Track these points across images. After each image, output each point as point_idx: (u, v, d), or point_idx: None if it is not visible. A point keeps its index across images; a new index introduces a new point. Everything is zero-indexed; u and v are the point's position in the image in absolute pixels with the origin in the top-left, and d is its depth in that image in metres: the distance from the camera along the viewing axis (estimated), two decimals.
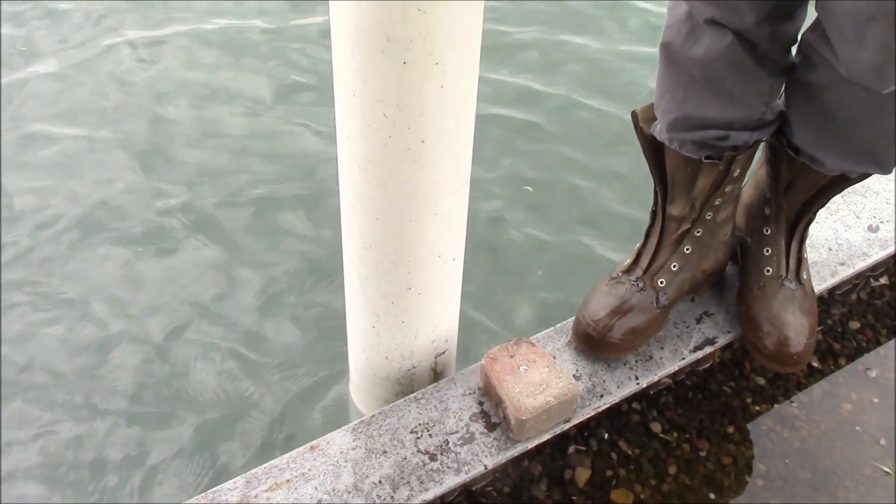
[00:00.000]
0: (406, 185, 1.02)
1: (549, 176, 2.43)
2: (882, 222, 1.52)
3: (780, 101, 1.18)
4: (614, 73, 2.81)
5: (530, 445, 1.18)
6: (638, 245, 1.29)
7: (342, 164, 1.06)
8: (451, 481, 1.13)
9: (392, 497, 1.10)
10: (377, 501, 1.10)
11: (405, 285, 1.14)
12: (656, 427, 1.40)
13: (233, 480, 1.11)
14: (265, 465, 1.13)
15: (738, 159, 1.16)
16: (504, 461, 1.17)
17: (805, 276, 1.31)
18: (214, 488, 1.10)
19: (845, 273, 1.44)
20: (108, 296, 1.99)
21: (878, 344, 1.52)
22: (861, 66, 0.97)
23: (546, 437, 1.20)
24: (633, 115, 1.23)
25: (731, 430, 1.43)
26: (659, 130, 1.20)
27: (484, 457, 1.16)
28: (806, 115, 1.14)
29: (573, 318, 1.33)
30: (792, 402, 1.47)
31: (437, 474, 1.13)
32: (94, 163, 2.35)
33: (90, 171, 2.33)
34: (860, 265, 1.45)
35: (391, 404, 1.21)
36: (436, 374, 1.32)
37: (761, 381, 1.49)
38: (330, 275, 2.04)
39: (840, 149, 1.13)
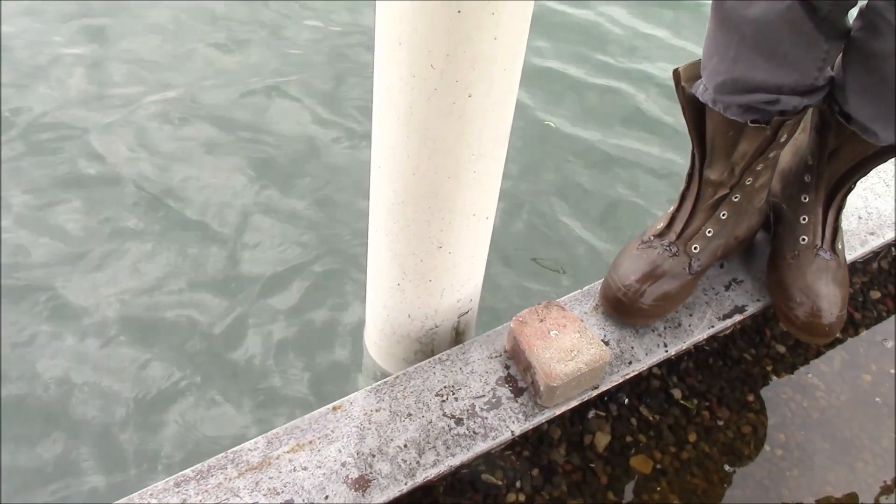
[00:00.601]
0: (447, 140, 0.97)
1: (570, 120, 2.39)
2: None
3: (831, 67, 1.14)
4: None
5: (557, 412, 1.16)
6: (672, 209, 1.25)
7: (377, 116, 1.01)
8: (479, 447, 1.10)
9: (418, 462, 1.07)
10: (402, 466, 1.07)
11: (436, 243, 1.10)
12: (677, 393, 1.38)
13: (253, 441, 1.08)
14: (286, 425, 1.10)
15: (786, 124, 1.11)
16: (531, 428, 1.14)
17: (840, 247, 1.28)
18: (235, 448, 1.07)
19: (875, 243, 1.41)
20: None
21: None
22: None
23: (573, 403, 1.17)
24: (675, 73, 1.18)
25: (751, 398, 1.41)
26: (702, 91, 1.16)
27: (511, 422, 1.13)
28: (863, 83, 1.10)
29: (601, 280, 1.29)
30: (811, 372, 1.45)
31: (464, 440, 1.10)
32: None
33: None
34: (890, 235, 1.42)
35: (415, 365, 1.17)
36: (457, 334, 1.29)
37: (782, 348, 1.46)
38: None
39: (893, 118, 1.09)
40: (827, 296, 1.24)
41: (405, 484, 1.05)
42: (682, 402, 1.36)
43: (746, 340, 1.43)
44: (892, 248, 1.49)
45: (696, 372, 1.39)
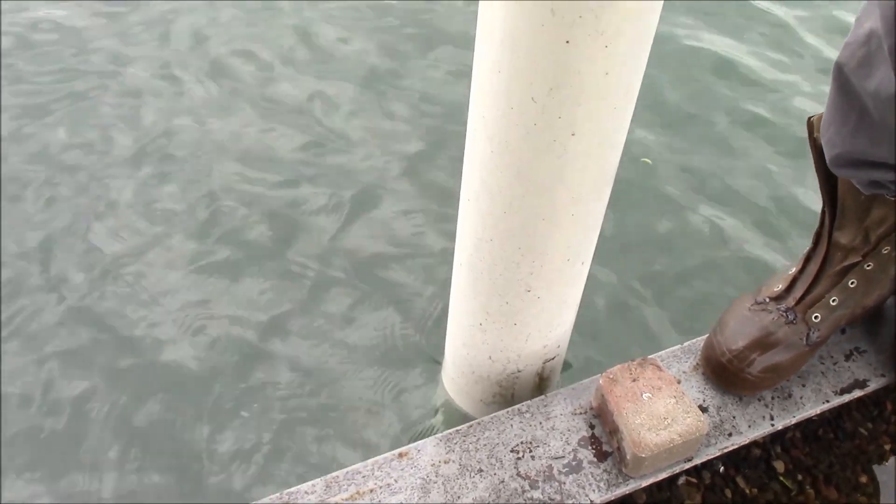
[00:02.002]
0: (545, 179, 0.87)
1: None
2: None
3: None
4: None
5: (644, 483, 1.04)
6: (794, 270, 1.12)
7: (471, 146, 0.92)
8: None
9: None
10: None
11: (524, 286, 1.00)
12: (779, 466, 1.24)
13: (311, 483, 1.00)
14: (348, 468, 1.02)
15: None
16: (612, 499, 1.03)
17: None
18: (292, 489, 1.00)
19: None
20: None
21: None
22: None
23: (663, 475, 1.05)
24: (809, 122, 1.05)
25: (864, 479, 1.26)
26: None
27: (591, 491, 1.02)
28: None
29: (704, 336, 1.17)
30: None
31: None
32: None
33: None
34: None
35: (491, 415, 1.08)
36: (541, 380, 1.19)
37: None
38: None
39: None
40: None
41: None
42: (783, 479, 1.23)
43: (863, 413, 1.28)
44: None
45: (802, 443, 1.25)
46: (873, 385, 1.16)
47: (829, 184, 1.06)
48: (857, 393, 1.14)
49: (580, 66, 0.76)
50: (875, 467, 1.27)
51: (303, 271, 1.84)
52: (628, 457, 1.01)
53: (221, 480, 1.45)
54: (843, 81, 0.94)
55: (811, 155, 1.08)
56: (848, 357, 1.19)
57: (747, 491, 1.21)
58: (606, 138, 0.85)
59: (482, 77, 0.84)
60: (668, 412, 1.02)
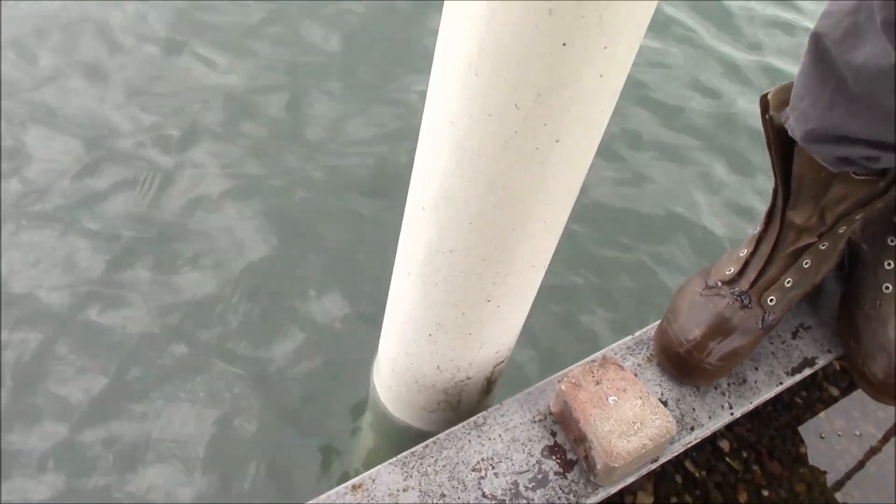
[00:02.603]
0: (520, 189, 0.78)
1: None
2: None
3: None
4: None
5: (613, 490, 0.99)
6: (745, 252, 1.08)
7: (429, 153, 0.81)
8: None
9: None
10: None
11: (485, 297, 0.91)
12: (724, 445, 1.23)
13: None
14: None
15: None
16: None
17: None
18: None
19: None
20: None
21: None
22: None
23: (630, 479, 1.00)
24: (763, 99, 1.00)
25: (803, 450, 1.26)
26: (790, 123, 0.98)
27: None
28: None
29: (655, 325, 1.12)
30: (866, 418, 1.31)
31: None
32: None
33: None
34: None
35: (447, 432, 1.00)
36: (490, 384, 1.11)
37: (835, 391, 1.32)
38: None
39: None
40: None
41: None
42: (729, 459, 1.21)
43: (798, 382, 1.27)
44: None
45: (744, 419, 1.24)
46: (822, 362, 1.14)
47: (784, 162, 1.01)
48: (808, 371, 1.13)
49: (576, 69, 0.67)
50: (813, 438, 1.27)
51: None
52: (598, 466, 0.96)
53: None
54: (822, 52, 0.89)
55: (763, 132, 1.03)
56: (795, 335, 1.17)
57: (696, 474, 1.19)
58: (590, 143, 0.77)
59: (450, 81, 0.73)
60: (637, 415, 0.97)
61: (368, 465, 1.41)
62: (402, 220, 0.93)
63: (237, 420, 1.53)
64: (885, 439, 1.29)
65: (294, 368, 1.61)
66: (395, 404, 1.16)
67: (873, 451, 1.27)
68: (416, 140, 0.84)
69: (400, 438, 1.22)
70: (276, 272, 1.76)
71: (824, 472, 1.24)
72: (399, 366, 1.07)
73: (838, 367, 1.30)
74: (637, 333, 1.12)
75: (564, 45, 0.64)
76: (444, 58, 0.73)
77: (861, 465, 1.25)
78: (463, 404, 1.11)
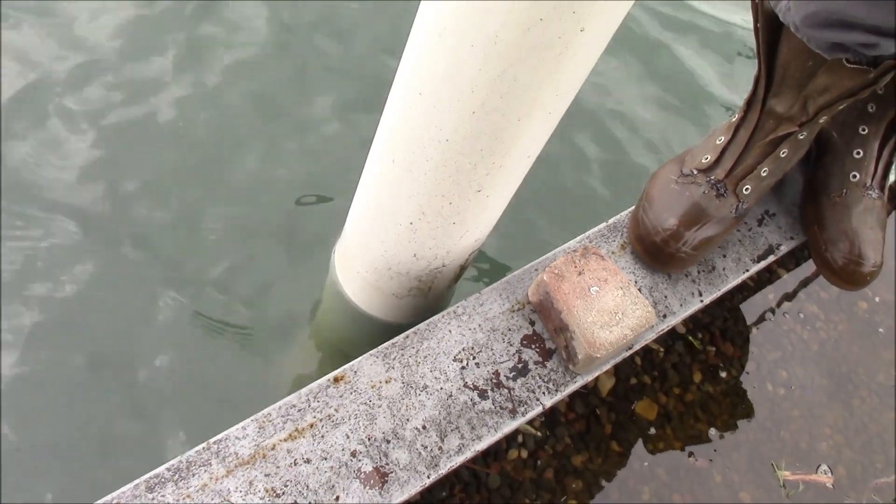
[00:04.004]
0: (533, 78, 0.73)
1: None
2: None
3: None
4: None
5: (590, 378, 1.00)
6: (722, 139, 1.06)
7: (432, 33, 0.75)
8: (507, 426, 0.93)
9: (440, 447, 0.90)
10: (423, 454, 0.89)
11: (475, 187, 0.88)
12: (679, 326, 1.25)
13: (241, 426, 0.87)
14: (280, 403, 0.89)
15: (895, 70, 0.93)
16: (561, 399, 0.98)
17: (887, 184, 1.14)
18: (219, 436, 0.86)
19: None
20: None
21: None
22: None
23: (606, 367, 1.01)
24: None
25: (754, 331, 1.30)
26: (783, 9, 0.95)
27: (541, 394, 0.96)
28: None
29: (629, 212, 1.11)
30: (810, 299, 1.35)
31: (490, 417, 0.93)
32: None
33: None
34: None
35: (428, 322, 0.97)
36: (462, 270, 1.09)
37: (783, 272, 1.35)
38: None
39: None
40: (871, 241, 1.11)
41: (427, 477, 0.88)
42: (690, 338, 1.24)
43: None
44: None
45: None
46: (785, 248, 1.16)
47: (769, 48, 0.99)
48: (771, 258, 1.14)
49: None
50: (762, 319, 1.31)
51: None
52: (580, 356, 0.96)
53: None
54: None
55: (752, 19, 1.00)
56: (760, 222, 1.18)
57: (654, 356, 1.21)
58: (609, 32, 0.72)
59: None
60: (618, 306, 0.96)
61: (321, 356, 1.39)
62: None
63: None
64: (826, 319, 1.34)
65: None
66: (359, 290, 1.12)
67: (815, 330, 1.32)
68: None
69: (359, 326, 1.19)
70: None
71: (771, 351, 1.28)
72: (372, 253, 1.04)
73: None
74: (611, 220, 1.11)
75: None
76: None
77: (804, 343, 1.30)
78: (433, 291, 1.09)
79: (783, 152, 1.04)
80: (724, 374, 1.23)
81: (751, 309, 1.30)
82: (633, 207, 1.10)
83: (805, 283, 1.35)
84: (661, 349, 1.21)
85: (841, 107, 1.00)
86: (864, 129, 1.10)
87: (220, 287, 1.51)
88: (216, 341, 1.45)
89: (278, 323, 1.48)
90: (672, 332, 1.23)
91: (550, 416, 1.12)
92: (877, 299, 1.38)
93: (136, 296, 1.46)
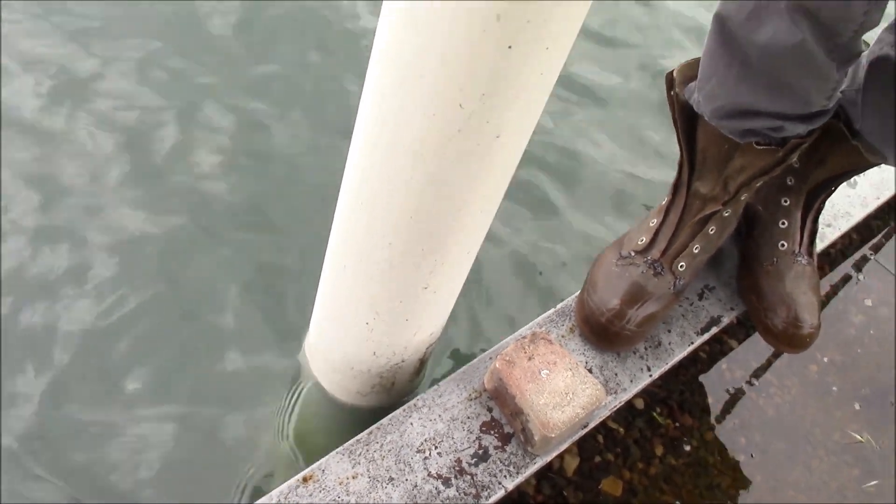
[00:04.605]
0: (461, 183, 0.80)
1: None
2: (859, 175, 1.45)
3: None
4: None
5: (549, 458, 1.04)
6: (654, 222, 1.14)
7: (367, 150, 0.82)
8: None
9: None
10: None
11: (422, 285, 0.94)
12: (639, 402, 1.30)
13: None
14: None
15: (801, 147, 1.01)
16: (522, 481, 1.02)
17: (815, 250, 1.21)
18: None
19: (833, 236, 1.36)
20: None
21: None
22: None
23: (564, 446, 1.06)
24: (669, 77, 1.05)
25: (710, 399, 1.35)
26: (697, 101, 1.04)
27: (503, 477, 1.00)
28: (884, 103, 1.01)
29: (575, 297, 1.17)
30: (763, 367, 1.41)
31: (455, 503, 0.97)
32: None
33: None
34: (845, 226, 1.38)
35: (390, 417, 1.02)
36: (422, 364, 1.14)
37: (734, 343, 1.41)
38: None
39: None
40: (806, 304, 1.17)
41: None
42: (655, 414, 1.29)
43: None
44: (852, 236, 1.46)
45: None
46: (726, 319, 1.22)
47: (689, 136, 1.07)
48: (715, 330, 1.21)
49: (520, 70, 0.69)
50: (718, 388, 1.36)
51: None
52: (536, 438, 1.00)
53: None
54: (726, 33, 0.95)
55: (669, 109, 1.08)
56: (701, 296, 1.24)
57: (616, 433, 1.26)
58: (526, 135, 0.80)
59: (389, 83, 0.74)
60: (568, 386, 1.01)
61: (303, 442, 1.41)
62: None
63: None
64: (780, 384, 1.39)
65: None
66: (328, 387, 1.17)
67: (770, 396, 1.37)
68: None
69: (333, 415, 1.23)
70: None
71: (730, 420, 1.33)
72: (334, 353, 1.09)
73: (736, 321, 1.39)
74: (559, 306, 1.17)
75: (510, 47, 0.67)
76: (385, 62, 0.74)
77: (760, 409, 1.35)
78: (397, 386, 1.14)
79: (711, 230, 1.12)
80: (685, 447, 1.28)
81: (706, 380, 1.35)
82: (579, 292, 1.16)
83: (756, 352, 1.41)
84: (622, 427, 1.25)
85: (758, 184, 1.08)
86: (786, 201, 1.18)
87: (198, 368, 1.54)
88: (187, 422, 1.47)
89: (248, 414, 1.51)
90: (632, 409, 1.28)
91: (519, 500, 1.15)
92: (825, 360, 1.43)
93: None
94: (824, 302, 1.43)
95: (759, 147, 1.01)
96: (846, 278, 1.51)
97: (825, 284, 1.49)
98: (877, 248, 1.55)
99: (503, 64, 0.68)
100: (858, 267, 1.53)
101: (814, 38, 0.89)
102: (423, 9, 0.67)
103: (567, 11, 0.66)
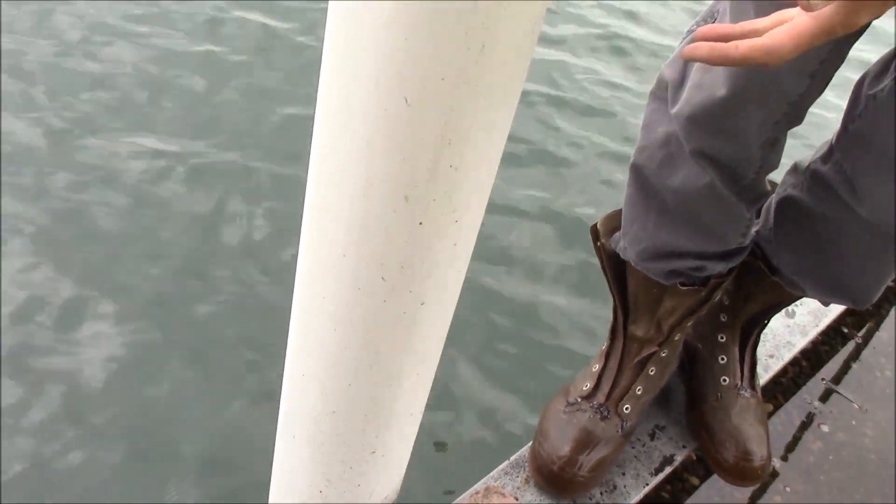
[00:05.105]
0: (392, 348, 0.84)
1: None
2: (797, 305, 1.50)
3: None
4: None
5: None
6: (597, 367, 1.18)
7: (302, 323, 0.87)
8: None
9: None
10: None
11: (369, 449, 0.96)
12: None
13: None
14: None
15: (722, 285, 1.07)
16: None
17: (757, 382, 1.25)
18: None
19: (777, 366, 1.41)
20: None
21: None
22: (889, 210, 0.91)
23: None
24: (593, 229, 1.12)
25: None
26: (622, 248, 1.10)
27: None
28: (797, 243, 1.08)
29: (528, 446, 1.20)
30: (729, 502, 1.41)
31: None
32: None
33: None
34: (788, 355, 1.42)
35: None
36: None
37: (695, 480, 1.42)
38: None
39: (824, 279, 1.08)
40: (754, 437, 1.20)
41: None
42: None
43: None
44: (788, 369, 1.50)
45: None
46: (680, 457, 1.25)
47: (619, 282, 1.13)
48: (668, 469, 1.23)
49: (432, 242, 0.75)
50: None
51: None
52: None
53: None
54: (643, 181, 1.02)
55: (598, 260, 1.14)
56: (652, 436, 1.27)
57: None
58: (452, 298, 0.84)
59: (320, 259, 0.79)
60: None
61: None
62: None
63: None
64: None
65: None
66: None
67: None
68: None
69: None
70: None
71: None
72: None
73: (695, 458, 1.41)
74: (513, 458, 1.19)
75: (421, 223, 0.72)
76: (313, 241, 0.79)
77: None
78: None
79: (651, 370, 1.16)
80: None
81: None
82: (531, 442, 1.19)
83: (719, 488, 1.42)
84: None
85: (689, 323, 1.13)
86: (722, 337, 1.23)
87: None
88: None
89: None
90: None
91: None
92: (788, 489, 1.45)
93: None
94: (781, 431, 1.46)
95: (683, 288, 1.06)
96: (800, 406, 1.55)
97: (780, 414, 1.52)
98: (829, 374, 1.59)
99: (416, 238, 0.74)
100: (812, 394, 1.57)
101: (720, 180, 0.96)
102: (341, 195, 0.73)
103: (473, 185, 0.73)
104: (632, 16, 3.88)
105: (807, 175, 1.04)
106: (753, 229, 1.10)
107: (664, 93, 1.00)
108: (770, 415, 1.49)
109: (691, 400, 1.27)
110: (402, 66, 0.64)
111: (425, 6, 0.59)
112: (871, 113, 0.89)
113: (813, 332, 1.49)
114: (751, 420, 1.22)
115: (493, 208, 2.67)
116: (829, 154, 1.00)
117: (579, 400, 1.17)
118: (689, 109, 0.93)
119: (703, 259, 1.06)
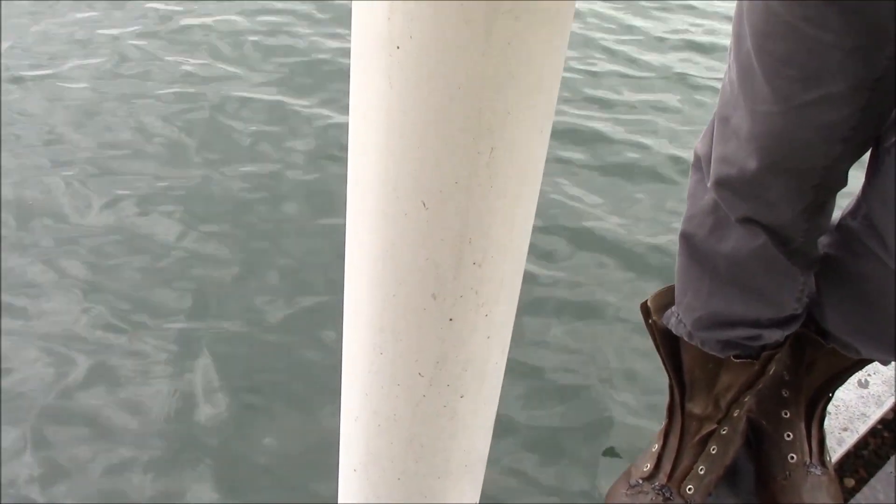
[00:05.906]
0: (437, 442, 0.86)
1: None
2: (869, 375, 1.46)
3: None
4: None
5: None
6: (656, 447, 1.17)
7: (351, 420, 0.89)
8: None
9: None
10: None
11: None
12: None
13: None
14: None
15: (776, 358, 1.06)
16: None
17: (828, 458, 1.22)
18: None
19: (851, 440, 1.36)
20: None
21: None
22: None
23: None
24: (644, 306, 1.12)
25: None
26: (675, 323, 1.10)
27: None
28: (842, 301, 1.06)
29: None
30: None
31: None
32: None
33: None
34: (863, 428, 1.38)
35: None
36: None
37: None
38: None
39: (878, 337, 1.05)
40: None
41: None
42: None
43: None
44: (869, 441, 1.45)
45: None
46: None
47: (674, 360, 1.12)
48: None
49: (464, 337, 0.77)
50: None
51: None
52: None
53: None
54: (693, 249, 1.02)
55: (651, 339, 1.14)
56: None
57: None
58: (492, 390, 0.86)
59: (358, 360, 0.82)
60: None
61: None
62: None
63: None
64: None
65: None
66: None
67: None
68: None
69: None
70: None
71: None
72: None
73: None
74: None
75: (451, 319, 0.75)
76: (354, 342, 0.82)
77: None
78: None
79: (713, 449, 1.14)
80: None
81: None
82: None
83: None
84: None
85: (746, 399, 1.11)
86: (786, 413, 1.20)
87: None
88: None
89: None
90: None
91: None
92: None
93: None
94: None
95: (737, 361, 1.05)
96: (885, 479, 1.49)
97: (864, 491, 1.46)
98: None
99: (448, 334, 0.76)
100: None
101: (772, 242, 0.96)
102: (374, 291, 0.76)
103: (499, 280, 0.75)
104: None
105: (839, 232, 1.03)
106: (807, 299, 1.09)
107: (701, 165, 1.02)
108: (853, 491, 1.43)
109: (760, 479, 1.24)
110: (417, 172, 0.67)
111: (430, 116, 0.62)
112: (890, 167, 0.88)
113: (889, 403, 1.44)
114: (822, 498, 1.18)
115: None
116: (857, 208, 0.99)
117: (641, 482, 1.15)
118: (724, 182, 0.94)
119: (759, 327, 1.05)
